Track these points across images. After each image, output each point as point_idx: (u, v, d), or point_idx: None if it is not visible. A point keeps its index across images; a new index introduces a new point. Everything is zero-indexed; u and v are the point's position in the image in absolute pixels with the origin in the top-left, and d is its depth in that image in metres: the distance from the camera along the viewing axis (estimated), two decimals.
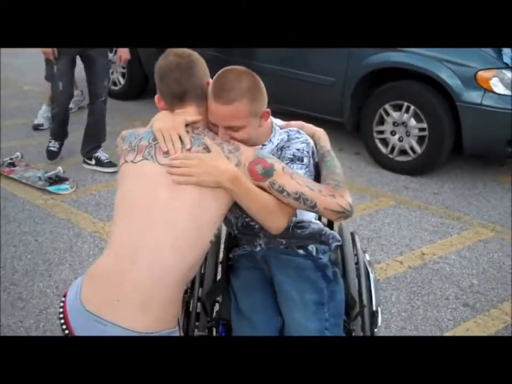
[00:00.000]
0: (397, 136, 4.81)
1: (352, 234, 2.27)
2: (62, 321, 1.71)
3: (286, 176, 1.78)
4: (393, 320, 2.98)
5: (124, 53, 4.73)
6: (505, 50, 4.46)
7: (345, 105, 5.01)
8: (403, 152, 4.83)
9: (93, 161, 4.74)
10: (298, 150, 1.90)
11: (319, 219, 2.14)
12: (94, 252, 3.53)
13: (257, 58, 5.24)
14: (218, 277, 2.15)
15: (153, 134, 1.81)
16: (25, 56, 6.83)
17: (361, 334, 1.98)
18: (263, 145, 1.94)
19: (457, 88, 4.43)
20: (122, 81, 6.59)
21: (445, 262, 3.55)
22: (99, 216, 4.00)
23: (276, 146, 1.94)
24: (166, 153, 1.76)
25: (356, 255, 2.19)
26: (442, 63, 4.47)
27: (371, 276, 2.11)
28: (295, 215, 1.93)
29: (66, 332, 1.70)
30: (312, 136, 1.98)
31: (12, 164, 4.68)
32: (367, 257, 2.21)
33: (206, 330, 2.04)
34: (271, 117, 1.98)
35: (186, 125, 1.82)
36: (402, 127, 4.76)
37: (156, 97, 1.91)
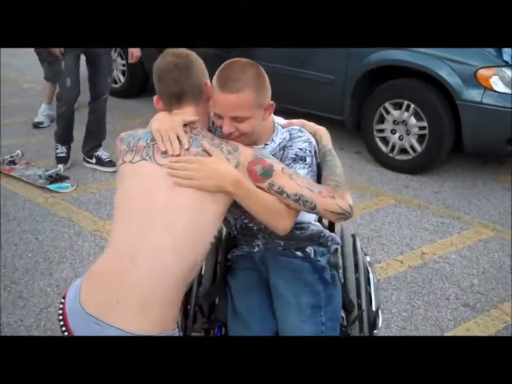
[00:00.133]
0: (397, 135, 4.81)
1: (353, 237, 2.26)
2: (62, 322, 1.71)
3: (285, 177, 1.77)
4: (393, 320, 2.99)
5: (135, 51, 4.65)
6: (505, 49, 4.45)
7: (345, 103, 5.01)
8: (403, 150, 4.83)
9: (94, 160, 4.73)
10: (300, 149, 1.89)
11: (320, 220, 2.13)
12: (94, 250, 3.53)
13: (257, 57, 5.18)
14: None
15: (151, 135, 1.81)
16: (25, 55, 6.81)
17: None
18: (265, 144, 1.93)
19: (457, 87, 4.42)
20: (122, 79, 6.59)
21: (445, 262, 3.55)
22: (99, 214, 4.00)
23: (278, 145, 1.93)
24: (164, 153, 1.76)
25: (356, 257, 2.18)
26: (443, 61, 4.47)
27: (371, 278, 2.10)
28: None
29: (66, 333, 1.71)
30: (314, 135, 1.97)
31: (12, 162, 4.68)
32: (368, 258, 2.20)
33: (202, 332, 2.03)
34: (273, 115, 1.98)
35: (185, 125, 1.82)
36: (402, 126, 4.76)
37: (155, 98, 1.91)
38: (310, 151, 1.90)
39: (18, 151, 4.79)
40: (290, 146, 1.90)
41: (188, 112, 1.84)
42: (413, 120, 4.69)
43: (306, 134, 1.95)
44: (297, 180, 1.78)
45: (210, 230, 1.76)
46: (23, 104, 6.30)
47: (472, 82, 4.39)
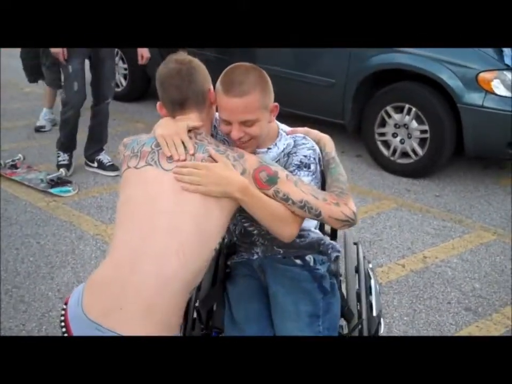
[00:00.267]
0: (398, 138, 4.81)
1: (356, 244, 2.26)
2: (64, 329, 1.70)
3: (290, 184, 1.78)
4: (395, 324, 2.98)
5: (145, 52, 4.60)
6: (506, 52, 4.45)
7: (346, 107, 5.01)
8: (405, 154, 4.83)
9: (96, 164, 4.73)
10: (305, 156, 1.89)
11: (321, 227, 2.13)
12: (96, 254, 3.53)
13: (259, 60, 5.22)
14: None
15: (155, 140, 1.81)
16: None
17: None
18: (268, 148, 1.93)
19: (459, 90, 4.43)
20: (124, 83, 6.59)
21: (447, 266, 3.55)
22: (101, 218, 4.00)
23: (282, 151, 1.93)
24: (170, 158, 1.76)
25: (358, 265, 2.17)
26: (444, 65, 4.47)
27: (373, 287, 2.08)
28: None
29: None
30: (317, 143, 1.97)
31: (14, 166, 4.69)
32: (370, 265, 2.19)
33: None
34: (277, 121, 1.98)
35: (189, 131, 1.82)
36: (403, 129, 4.76)
37: (158, 104, 1.91)
38: (314, 159, 1.90)
39: (20, 155, 4.79)
40: (295, 153, 1.90)
41: (191, 119, 1.85)
42: (414, 124, 4.69)
43: (310, 141, 1.94)
44: (302, 187, 1.79)
45: (215, 236, 1.76)
46: (24, 108, 6.31)
47: (473, 86, 4.39)
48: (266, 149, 1.93)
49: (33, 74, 5.59)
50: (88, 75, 4.52)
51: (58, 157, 4.66)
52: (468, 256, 3.68)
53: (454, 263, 3.58)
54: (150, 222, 1.71)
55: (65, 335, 1.69)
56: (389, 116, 4.82)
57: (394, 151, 4.86)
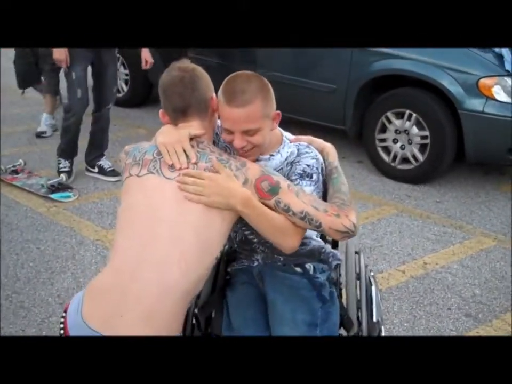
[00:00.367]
0: (399, 144, 4.81)
1: (358, 253, 2.24)
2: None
3: (291, 194, 1.78)
4: (395, 330, 2.97)
5: (148, 57, 4.61)
6: (507, 57, 4.45)
7: (347, 112, 5.01)
8: (405, 160, 4.83)
9: (96, 169, 4.74)
10: (308, 166, 1.88)
11: (323, 235, 2.12)
12: (96, 260, 3.53)
13: (260, 66, 5.24)
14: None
15: (157, 148, 1.81)
16: None
17: None
18: (271, 155, 1.93)
19: (459, 96, 4.43)
20: (125, 88, 6.60)
21: (447, 272, 3.54)
22: (102, 224, 4.00)
23: (286, 160, 1.92)
24: (172, 167, 1.76)
25: (359, 274, 2.15)
26: (444, 71, 4.48)
27: (374, 295, 2.06)
28: None
29: None
30: (321, 152, 1.96)
31: (15, 171, 4.69)
32: (372, 273, 2.18)
33: None
34: (280, 129, 1.98)
35: (191, 139, 1.81)
36: (404, 135, 4.76)
37: (160, 111, 1.91)
38: (317, 168, 1.90)
39: (21, 160, 4.80)
40: (298, 162, 1.90)
41: (193, 127, 1.84)
42: (415, 130, 4.70)
43: (314, 150, 1.94)
44: (303, 198, 1.78)
45: (216, 246, 1.76)
46: (23, 113, 6.32)
47: (474, 92, 4.40)
48: (269, 156, 1.93)
49: (26, 80, 5.57)
50: (90, 81, 4.53)
51: (59, 164, 4.64)
52: (468, 262, 3.67)
53: (454, 269, 3.58)
54: (151, 230, 1.71)
55: None
56: (390, 122, 4.82)
57: (395, 157, 4.86)
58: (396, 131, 4.80)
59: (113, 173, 4.66)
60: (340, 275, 2.19)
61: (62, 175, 4.53)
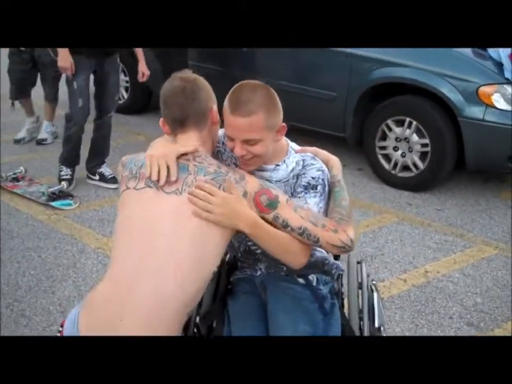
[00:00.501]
0: (399, 152, 4.82)
1: (360, 263, 2.25)
2: None
3: (289, 209, 1.78)
4: None
5: (145, 69, 4.63)
6: (506, 65, 4.46)
7: (347, 120, 5.02)
8: (406, 168, 4.84)
9: (97, 177, 4.74)
10: (313, 178, 1.89)
11: None
12: (97, 268, 3.53)
13: (261, 73, 5.26)
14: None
15: None
16: None
17: None
18: (277, 165, 1.93)
19: (459, 104, 4.44)
20: (125, 95, 6.60)
21: (449, 280, 3.54)
22: (102, 232, 4.00)
23: (292, 171, 1.93)
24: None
25: (361, 284, 2.16)
26: (444, 78, 4.49)
27: (376, 306, 2.05)
28: None
29: None
30: (326, 163, 1.97)
31: (16, 179, 4.69)
32: (374, 282, 2.19)
33: None
34: (287, 139, 1.98)
35: (186, 154, 1.81)
36: (404, 143, 4.77)
37: (161, 120, 1.91)
38: (322, 180, 1.90)
39: (22, 168, 4.79)
40: (304, 174, 1.90)
41: (191, 137, 1.84)
42: (415, 137, 4.70)
43: (319, 162, 1.95)
44: (301, 213, 1.79)
45: (213, 260, 1.76)
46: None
47: (473, 100, 4.41)
48: (274, 166, 1.93)
49: (22, 89, 5.55)
50: (91, 88, 4.53)
51: (61, 171, 4.64)
52: (469, 270, 3.67)
53: (455, 277, 3.58)
54: (149, 243, 1.71)
55: None
56: (390, 130, 4.83)
57: (395, 165, 4.87)
58: (396, 139, 4.81)
59: (114, 180, 4.65)
60: (342, 285, 2.20)
61: (63, 182, 4.53)
